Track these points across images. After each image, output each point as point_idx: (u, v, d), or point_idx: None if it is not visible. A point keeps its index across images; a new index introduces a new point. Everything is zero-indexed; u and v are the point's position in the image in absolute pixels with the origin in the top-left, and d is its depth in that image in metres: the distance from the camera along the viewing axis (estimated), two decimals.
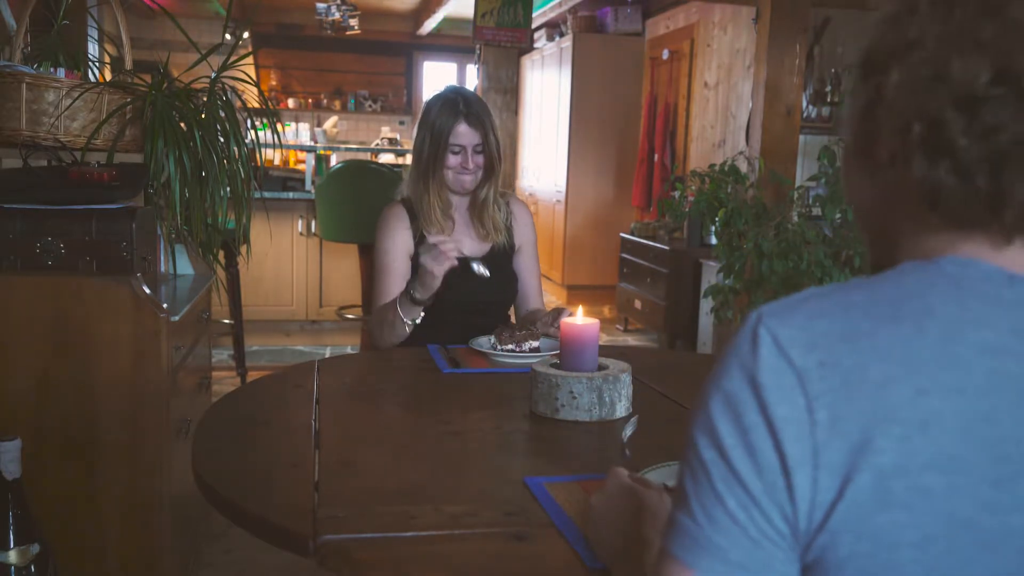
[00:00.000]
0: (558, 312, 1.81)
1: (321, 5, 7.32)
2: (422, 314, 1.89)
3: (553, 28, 7.27)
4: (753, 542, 0.55)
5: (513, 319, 2.18)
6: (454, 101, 2.01)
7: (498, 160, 2.06)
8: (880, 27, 0.62)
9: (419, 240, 2.04)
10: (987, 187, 0.56)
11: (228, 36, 3.00)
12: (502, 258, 2.09)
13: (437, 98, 2.06)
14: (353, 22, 7.48)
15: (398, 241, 2.03)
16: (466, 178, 2.04)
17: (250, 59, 6.58)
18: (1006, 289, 0.57)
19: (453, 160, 2.02)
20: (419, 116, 2.09)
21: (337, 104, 9.77)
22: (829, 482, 0.53)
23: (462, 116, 2.00)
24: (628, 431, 1.24)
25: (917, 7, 0.59)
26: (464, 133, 2.00)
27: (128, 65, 2.27)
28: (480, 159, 2.04)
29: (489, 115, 2.05)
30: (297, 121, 8.85)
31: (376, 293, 2.03)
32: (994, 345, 0.55)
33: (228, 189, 2.28)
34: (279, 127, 2.79)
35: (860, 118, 0.63)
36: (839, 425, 0.53)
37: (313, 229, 4.85)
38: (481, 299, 1.98)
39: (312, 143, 7.25)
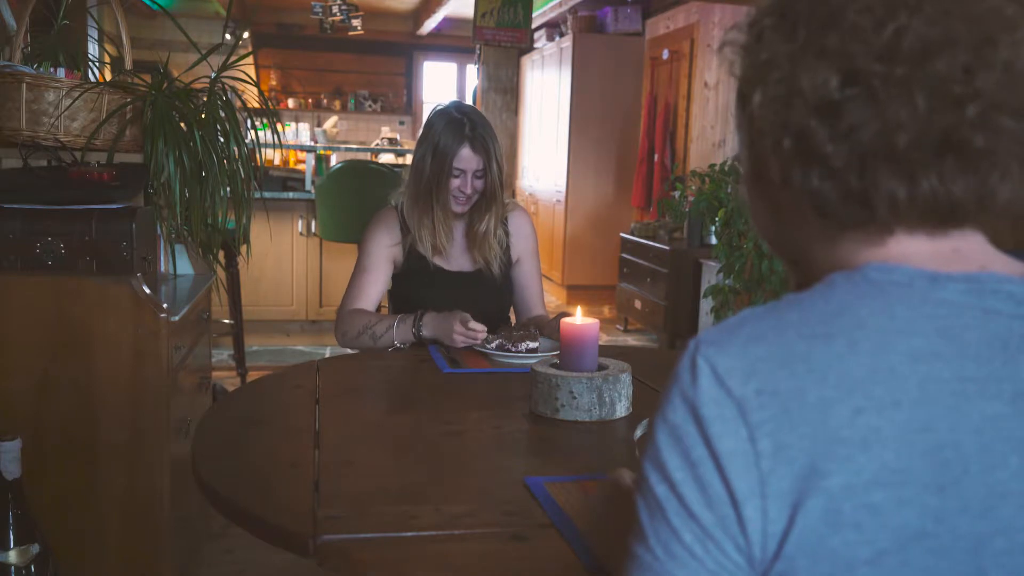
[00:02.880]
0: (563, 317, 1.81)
1: (317, 5, 7.32)
2: (400, 347, 1.89)
3: (553, 28, 7.27)
4: (711, 574, 0.55)
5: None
6: (460, 122, 1.96)
7: (500, 189, 2.01)
8: (740, 59, 0.65)
9: (408, 251, 2.03)
10: (857, 185, 0.58)
11: (228, 36, 3.00)
12: (491, 274, 2.07)
13: (441, 115, 2.00)
14: (356, 22, 7.47)
15: (383, 246, 2.03)
16: (460, 201, 1.99)
17: (250, 59, 6.59)
18: (930, 290, 0.58)
19: (453, 183, 1.98)
20: (421, 129, 2.04)
21: (337, 104, 9.78)
22: (779, 511, 0.54)
23: (467, 140, 1.95)
24: (639, 432, 1.23)
25: (762, 34, 0.63)
26: (467, 157, 1.95)
27: (128, 65, 2.27)
28: (479, 184, 1.99)
29: (494, 140, 2.00)
30: (297, 121, 8.84)
31: (351, 291, 2.02)
32: (924, 351, 0.55)
33: (228, 189, 2.28)
34: (279, 127, 2.79)
35: (747, 146, 0.66)
36: (783, 453, 0.54)
37: (313, 229, 4.85)
38: (476, 308, 1.94)
39: (312, 143, 7.24)
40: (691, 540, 0.55)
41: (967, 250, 0.61)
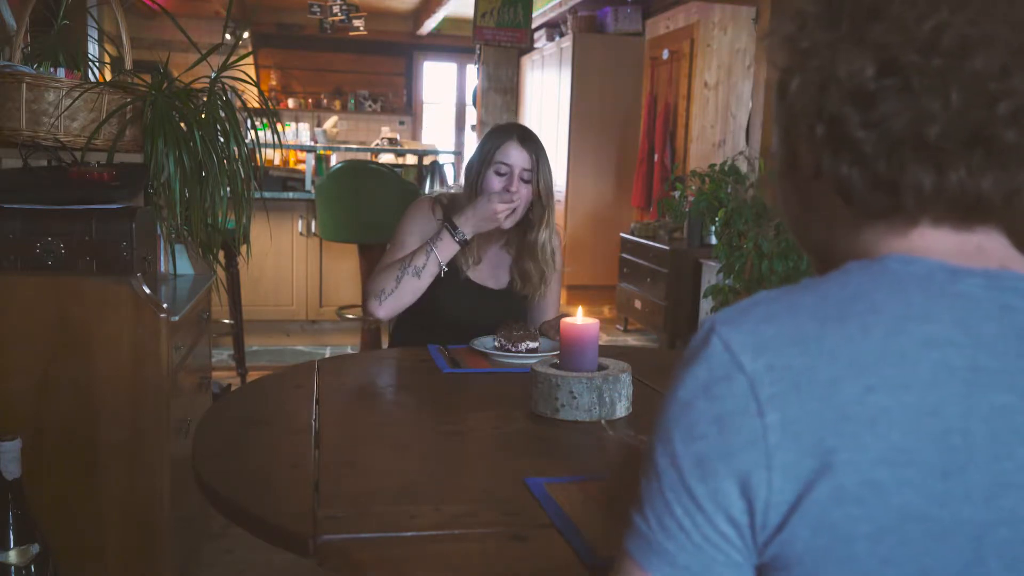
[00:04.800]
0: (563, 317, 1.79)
1: (315, 5, 7.31)
2: (445, 269, 1.85)
3: (553, 28, 7.27)
4: (696, 547, 0.57)
5: None
6: (510, 127, 1.96)
7: (549, 198, 1.95)
8: (782, 50, 0.66)
9: None
10: (886, 174, 0.59)
11: (228, 36, 2.99)
12: (517, 294, 2.04)
13: (494, 127, 2.01)
14: (357, 22, 7.47)
15: (420, 235, 1.96)
16: (506, 201, 1.89)
17: (250, 59, 6.58)
18: (948, 283, 0.59)
19: (496, 183, 1.90)
20: None
21: (337, 104, 9.77)
22: (783, 484, 0.55)
23: (515, 136, 1.91)
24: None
25: (805, 23, 0.64)
26: (513, 152, 1.90)
27: (128, 65, 2.27)
28: (526, 191, 1.91)
29: (546, 156, 1.96)
30: (297, 121, 8.84)
31: (382, 263, 1.95)
32: (938, 338, 0.56)
33: (228, 189, 2.27)
34: (279, 127, 2.79)
35: (781, 136, 0.67)
36: (791, 427, 0.55)
37: (313, 229, 4.85)
38: (492, 324, 1.90)
39: (312, 143, 7.24)
40: (681, 514, 0.57)
41: (990, 248, 0.62)
